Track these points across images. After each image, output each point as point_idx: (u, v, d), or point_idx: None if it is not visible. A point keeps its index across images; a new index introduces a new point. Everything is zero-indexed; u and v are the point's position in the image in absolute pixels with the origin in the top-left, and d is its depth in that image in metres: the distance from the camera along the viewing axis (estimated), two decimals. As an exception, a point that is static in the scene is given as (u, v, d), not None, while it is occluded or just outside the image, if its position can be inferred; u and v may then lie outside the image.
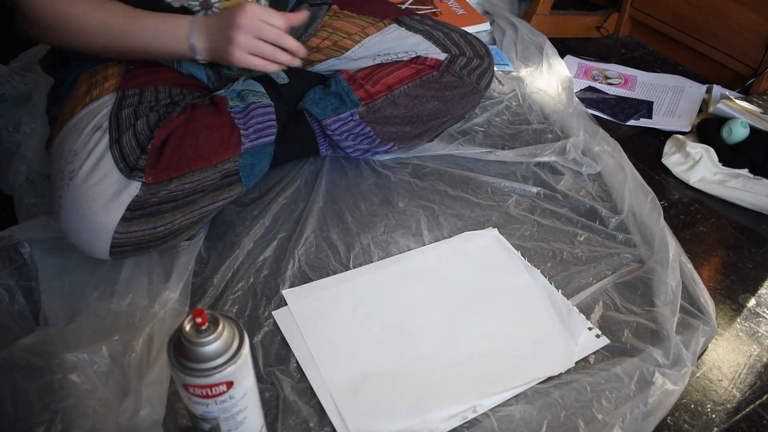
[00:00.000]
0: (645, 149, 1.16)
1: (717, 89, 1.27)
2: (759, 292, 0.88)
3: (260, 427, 0.61)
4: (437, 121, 1.00)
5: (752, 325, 0.83)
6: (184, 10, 0.79)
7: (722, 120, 1.14)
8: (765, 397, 0.74)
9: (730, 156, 1.07)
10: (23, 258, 0.81)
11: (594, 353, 0.75)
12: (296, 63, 0.80)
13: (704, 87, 1.31)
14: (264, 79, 0.90)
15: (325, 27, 0.98)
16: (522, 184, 1.01)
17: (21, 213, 0.89)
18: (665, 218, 0.92)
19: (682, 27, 1.40)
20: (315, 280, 0.83)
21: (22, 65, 1.15)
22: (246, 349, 0.53)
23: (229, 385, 0.53)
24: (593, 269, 0.86)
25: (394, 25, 0.98)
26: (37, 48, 1.17)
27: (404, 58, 0.97)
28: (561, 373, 0.72)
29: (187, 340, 0.50)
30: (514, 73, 1.29)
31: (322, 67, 1.00)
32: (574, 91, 1.25)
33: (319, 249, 0.88)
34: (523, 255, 0.88)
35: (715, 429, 0.70)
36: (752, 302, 0.86)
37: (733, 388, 0.75)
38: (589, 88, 1.31)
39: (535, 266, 0.86)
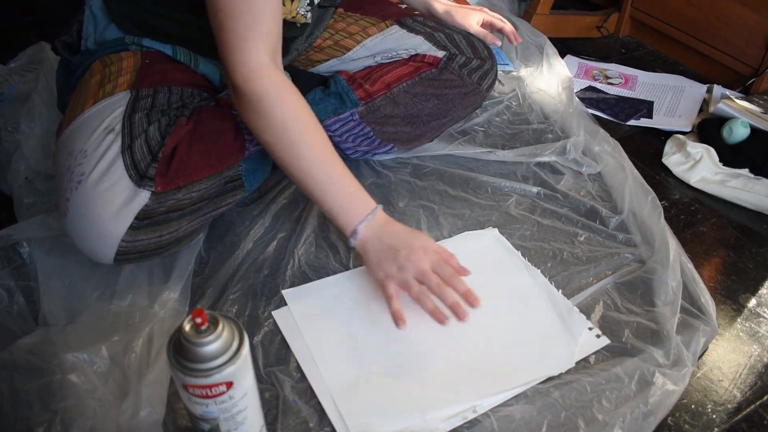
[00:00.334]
0: (645, 149, 1.16)
1: (717, 89, 1.27)
2: (759, 292, 0.88)
3: (260, 427, 0.61)
4: (437, 122, 1.00)
5: (753, 325, 0.83)
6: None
7: (723, 120, 1.14)
8: (765, 398, 0.74)
9: (731, 156, 1.07)
10: (22, 258, 0.81)
11: (594, 353, 0.75)
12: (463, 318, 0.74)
13: (705, 87, 1.31)
14: None
15: (329, 29, 0.99)
16: (522, 184, 1.01)
17: (20, 213, 0.88)
18: (665, 218, 0.92)
19: (682, 27, 1.40)
20: (315, 280, 0.83)
21: (21, 65, 1.15)
22: (246, 349, 0.53)
23: (229, 385, 0.52)
24: (593, 269, 0.86)
25: (396, 26, 0.99)
26: (36, 48, 1.17)
27: (403, 56, 0.97)
28: (561, 373, 0.72)
29: (187, 340, 0.50)
30: (515, 73, 1.29)
31: (323, 67, 1.00)
32: (575, 90, 1.25)
33: (319, 249, 0.87)
34: (523, 255, 0.88)
35: (716, 429, 0.70)
36: (753, 302, 0.86)
37: (733, 388, 0.74)
38: (590, 88, 1.31)
39: (535, 266, 0.86)
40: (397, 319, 0.74)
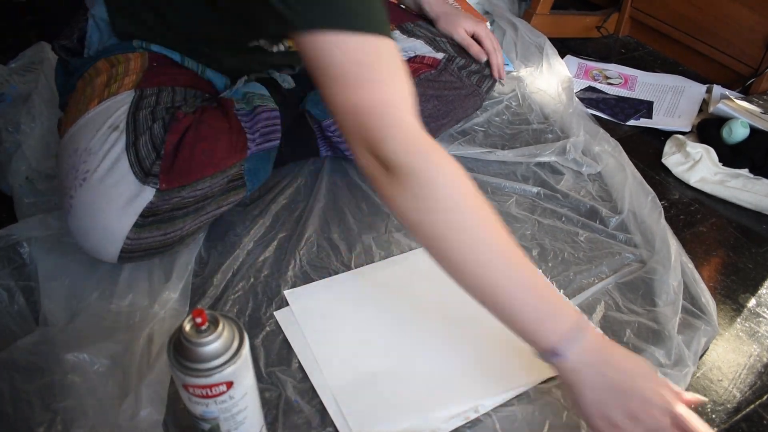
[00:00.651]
0: (645, 149, 1.16)
1: (717, 89, 1.27)
2: (759, 292, 0.88)
3: (260, 427, 0.61)
4: (437, 123, 1.00)
5: (752, 325, 0.83)
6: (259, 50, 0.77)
7: (722, 120, 1.14)
8: (765, 397, 0.74)
9: (730, 156, 1.07)
10: (22, 258, 0.81)
11: (595, 353, 0.75)
12: None
13: (704, 87, 1.31)
14: (268, 81, 0.90)
15: None
16: (522, 184, 1.01)
17: (20, 213, 0.88)
18: (665, 218, 0.92)
19: (682, 27, 1.40)
20: (316, 280, 0.83)
21: (21, 65, 1.15)
22: (246, 349, 0.53)
23: (229, 385, 0.52)
24: (594, 269, 0.86)
25: (397, 32, 0.99)
26: (37, 48, 1.17)
27: (403, 57, 0.97)
28: (562, 373, 0.72)
29: (187, 340, 0.50)
30: (514, 73, 1.29)
31: None
32: (574, 91, 1.25)
33: (321, 249, 0.87)
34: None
35: (715, 429, 0.70)
36: (752, 302, 0.86)
37: (733, 388, 0.74)
38: (589, 88, 1.31)
39: (536, 266, 0.86)
40: None
